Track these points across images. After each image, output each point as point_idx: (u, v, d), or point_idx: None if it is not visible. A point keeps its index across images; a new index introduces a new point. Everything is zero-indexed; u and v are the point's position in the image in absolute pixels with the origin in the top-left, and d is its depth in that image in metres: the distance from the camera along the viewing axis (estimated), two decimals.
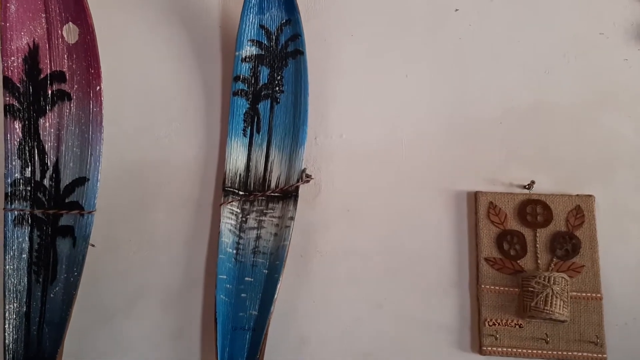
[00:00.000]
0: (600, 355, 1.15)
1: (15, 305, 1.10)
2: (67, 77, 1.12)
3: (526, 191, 1.26)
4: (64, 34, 1.10)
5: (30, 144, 1.12)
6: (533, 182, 1.25)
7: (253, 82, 1.32)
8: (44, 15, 1.10)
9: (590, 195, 1.24)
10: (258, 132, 1.31)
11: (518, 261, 1.21)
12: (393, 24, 1.39)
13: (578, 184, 1.26)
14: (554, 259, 1.21)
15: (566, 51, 1.35)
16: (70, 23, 1.09)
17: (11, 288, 1.10)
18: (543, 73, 1.34)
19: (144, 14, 1.39)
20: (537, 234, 1.22)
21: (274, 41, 1.33)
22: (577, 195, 1.24)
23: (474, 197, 1.26)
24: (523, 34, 1.37)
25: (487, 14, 1.38)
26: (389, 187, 1.30)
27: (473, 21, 1.38)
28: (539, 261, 1.21)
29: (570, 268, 1.20)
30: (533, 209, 1.24)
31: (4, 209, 1.11)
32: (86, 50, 1.10)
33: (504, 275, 1.21)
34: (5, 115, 1.11)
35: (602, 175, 1.27)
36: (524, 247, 1.22)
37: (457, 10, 1.39)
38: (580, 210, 1.23)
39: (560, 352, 1.16)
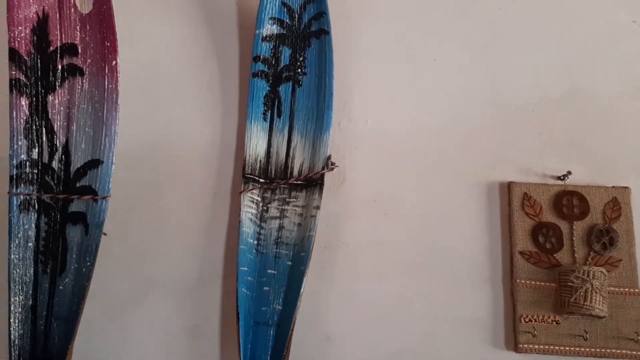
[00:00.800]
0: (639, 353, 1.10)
1: (20, 297, 1.01)
2: (80, 51, 1.03)
3: (561, 182, 1.20)
4: (77, 3, 1.01)
5: (37, 123, 1.03)
6: (569, 172, 1.20)
7: (274, 63, 1.24)
8: None
9: (626, 187, 1.19)
10: (279, 116, 1.23)
11: (554, 255, 1.15)
12: (420, 6, 1.33)
13: (614, 175, 1.21)
14: (591, 253, 1.15)
15: (599, 39, 1.30)
16: None
17: (16, 279, 1.01)
18: (576, 61, 1.29)
19: None
20: (574, 227, 1.17)
21: (296, 20, 1.25)
22: (614, 187, 1.19)
23: (508, 188, 1.20)
24: (555, 21, 1.31)
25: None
26: (418, 176, 1.23)
27: (504, 5, 1.32)
28: (575, 255, 1.15)
29: (608, 262, 1.15)
30: (569, 200, 1.19)
31: (8, 192, 1.02)
32: (101, 21, 1.01)
33: (539, 270, 1.15)
34: (10, 90, 1.01)
35: (638, 167, 1.22)
36: (560, 240, 1.16)
37: None
38: (617, 203, 1.18)
39: (598, 350, 1.11)
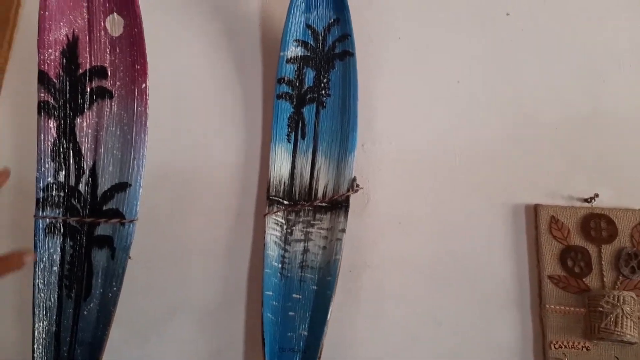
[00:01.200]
0: None
1: (44, 323, 0.99)
2: (109, 73, 1.02)
3: (588, 205, 1.19)
4: (107, 26, 1.01)
5: (65, 145, 1.02)
6: (596, 195, 1.19)
7: (298, 84, 1.24)
8: (85, 4, 1.00)
9: None
10: (303, 137, 1.23)
11: (583, 279, 1.14)
12: (442, 28, 1.33)
13: None
14: (620, 277, 1.14)
15: (621, 59, 1.30)
16: (114, 14, 1.00)
17: (41, 304, 1.00)
18: (599, 81, 1.29)
19: (182, 11, 1.30)
20: (602, 250, 1.16)
21: (320, 41, 1.25)
22: None
23: (534, 211, 1.19)
24: (577, 41, 1.31)
25: (540, 19, 1.33)
26: (443, 198, 1.22)
27: (526, 26, 1.33)
28: (604, 279, 1.14)
29: (637, 287, 1.13)
30: (597, 223, 1.17)
31: (34, 216, 1.01)
32: (132, 44, 1.00)
33: (568, 294, 1.14)
34: (39, 112, 1.00)
35: None
36: (589, 264, 1.15)
37: (508, 14, 1.33)
38: None
39: None
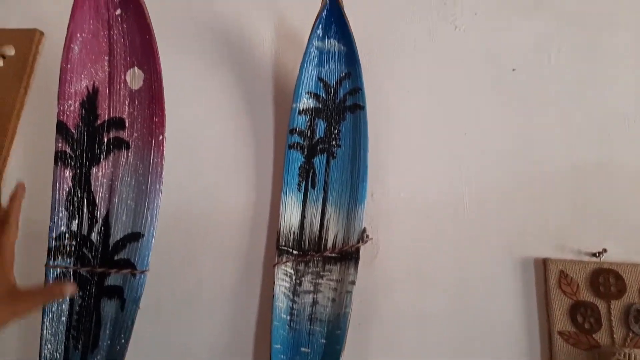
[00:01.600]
0: None
1: None
2: (127, 124, 1.04)
3: (597, 259, 1.20)
4: (127, 79, 1.03)
5: (79, 195, 1.03)
6: (605, 250, 1.19)
7: (309, 135, 1.26)
8: (107, 58, 1.03)
9: None
10: (313, 187, 1.24)
11: (593, 335, 1.13)
12: (450, 82, 1.36)
13: None
14: (630, 334, 1.13)
15: (626, 114, 1.33)
16: (135, 67, 1.02)
17: (47, 355, 0.98)
18: (605, 135, 1.31)
19: (199, 63, 1.34)
20: (611, 306, 1.15)
21: (332, 94, 1.28)
22: None
23: (543, 265, 1.20)
24: (582, 97, 1.34)
25: (545, 75, 1.36)
26: (452, 249, 1.22)
27: (531, 81, 1.36)
28: (614, 335, 1.13)
29: None
30: (605, 278, 1.18)
31: (45, 265, 1.01)
32: (151, 97, 1.03)
33: (579, 351, 1.13)
34: (55, 162, 1.02)
35: None
36: (599, 320, 1.14)
37: (514, 70, 1.37)
38: None
39: None
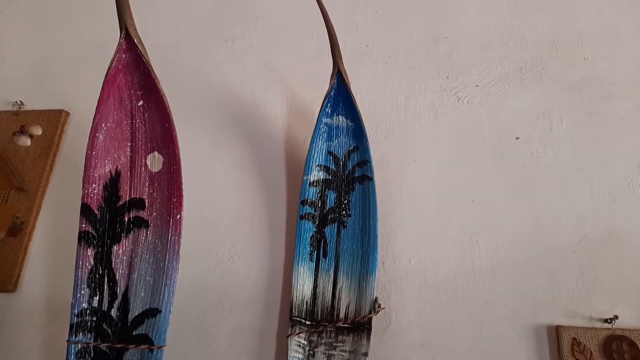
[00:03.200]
0: None
1: None
2: (147, 205, 1.10)
3: (609, 325, 1.20)
4: (148, 162, 1.10)
5: (100, 272, 1.08)
6: (616, 316, 1.19)
7: (320, 205, 1.31)
8: (129, 144, 1.10)
9: None
10: (325, 256, 1.28)
11: None
12: (455, 150, 1.41)
13: None
14: None
15: (631, 180, 1.35)
16: (155, 152, 1.10)
17: None
18: (611, 202, 1.33)
19: (213, 137, 1.42)
20: None
21: (341, 166, 1.34)
22: None
23: (555, 332, 1.20)
24: (586, 163, 1.37)
25: (549, 143, 1.39)
26: (464, 318, 1.23)
27: (535, 149, 1.40)
28: None
29: None
30: (619, 345, 1.17)
31: (67, 341, 1.05)
32: (170, 179, 1.09)
33: None
34: (79, 242, 1.07)
35: None
36: None
37: (517, 138, 1.41)
38: None
39: None
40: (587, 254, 1.28)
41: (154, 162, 1.10)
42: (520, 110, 1.45)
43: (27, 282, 1.31)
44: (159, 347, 1.04)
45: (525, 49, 1.52)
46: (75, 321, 1.05)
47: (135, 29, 1.01)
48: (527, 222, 1.32)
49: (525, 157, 1.39)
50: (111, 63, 1.00)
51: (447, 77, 1.51)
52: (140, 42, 1.02)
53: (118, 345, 1.05)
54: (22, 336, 1.25)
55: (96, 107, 1.03)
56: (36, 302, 1.27)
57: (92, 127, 1.02)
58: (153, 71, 1.03)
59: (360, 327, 1.19)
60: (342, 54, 1.30)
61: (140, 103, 1.07)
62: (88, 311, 1.06)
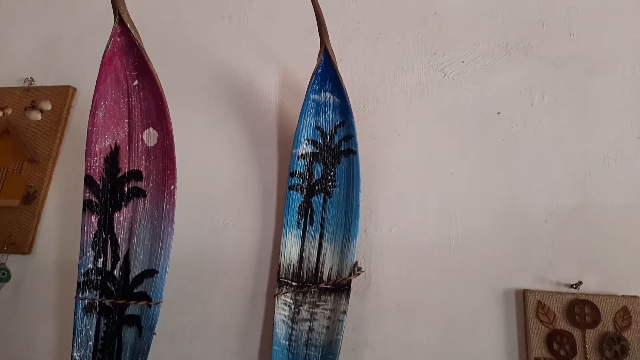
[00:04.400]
0: None
1: None
2: (144, 176, 1.21)
3: (574, 290, 1.29)
4: (144, 138, 1.20)
5: (104, 236, 1.20)
6: (580, 282, 1.28)
7: (308, 177, 1.41)
8: (127, 120, 1.20)
9: (636, 297, 1.26)
10: (311, 224, 1.38)
11: None
12: (437, 125, 1.48)
13: (624, 284, 1.28)
14: None
15: (606, 155, 1.40)
16: (150, 128, 1.20)
17: None
18: (585, 175, 1.39)
19: (208, 113, 1.51)
20: (586, 335, 1.24)
21: (328, 140, 1.43)
22: (624, 296, 1.26)
23: (522, 296, 1.29)
24: (563, 138, 1.42)
25: (528, 118, 1.45)
26: (438, 282, 1.33)
27: (515, 124, 1.46)
28: None
29: None
30: (581, 309, 1.26)
31: (75, 297, 1.17)
32: (164, 153, 1.20)
33: None
34: (83, 209, 1.19)
35: None
36: (574, 348, 1.23)
37: (499, 113, 1.48)
38: (627, 312, 1.25)
39: None
40: (559, 224, 1.36)
41: (150, 137, 1.20)
42: (503, 86, 1.50)
43: (41, 245, 1.45)
44: (156, 303, 1.16)
45: (513, 25, 1.56)
46: (82, 280, 1.18)
47: (128, 15, 1.10)
48: (503, 194, 1.40)
49: (505, 131, 1.46)
50: (107, 46, 1.10)
51: (435, 54, 1.57)
52: (134, 26, 1.10)
53: (120, 302, 1.17)
54: (37, 293, 1.39)
55: (95, 87, 1.13)
56: (49, 263, 1.41)
57: (92, 105, 1.12)
58: (146, 53, 1.12)
59: (341, 288, 1.30)
60: (334, 31, 1.36)
61: (136, 83, 1.17)
62: (93, 271, 1.19)
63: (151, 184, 1.20)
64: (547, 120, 1.45)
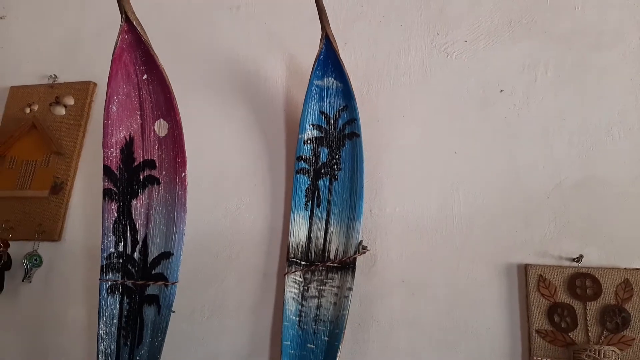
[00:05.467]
0: None
1: None
2: (157, 165, 1.30)
3: (575, 264, 1.31)
4: (156, 128, 1.28)
5: (123, 222, 1.29)
6: (581, 256, 1.30)
7: (314, 161, 1.46)
8: (139, 113, 1.29)
9: (638, 269, 1.28)
10: (318, 206, 1.44)
11: (569, 334, 1.25)
12: (440, 105, 1.51)
13: (627, 257, 1.30)
14: (605, 332, 1.24)
15: (610, 129, 1.40)
16: (161, 119, 1.28)
17: (103, 350, 1.25)
18: (589, 149, 1.39)
19: (217, 104, 1.58)
20: (587, 307, 1.27)
21: (332, 125, 1.48)
22: (626, 268, 1.28)
23: (524, 270, 1.33)
24: (566, 113, 1.43)
25: (532, 95, 1.46)
26: (442, 259, 1.38)
27: (518, 101, 1.47)
28: (589, 334, 1.25)
29: (621, 341, 1.23)
30: (582, 282, 1.29)
31: (99, 279, 1.27)
32: (174, 143, 1.28)
33: (555, 348, 1.25)
34: (104, 198, 1.28)
35: None
36: (575, 320, 1.26)
37: (502, 91, 1.49)
38: (629, 284, 1.27)
39: None
40: (561, 199, 1.37)
41: (161, 128, 1.28)
42: (506, 63, 1.51)
43: (69, 232, 1.56)
44: (173, 283, 1.26)
45: (516, 1, 1.55)
46: (104, 263, 1.28)
47: (133, 13, 1.17)
48: (506, 171, 1.42)
49: (508, 108, 1.47)
50: (116, 43, 1.17)
51: (438, 34, 1.59)
52: (139, 23, 1.17)
53: (140, 282, 1.27)
54: (67, 277, 1.51)
55: (107, 82, 1.21)
56: (76, 249, 1.52)
57: (105, 100, 1.21)
58: (152, 49, 1.19)
59: (347, 266, 1.36)
60: (338, 16, 1.41)
61: (145, 77, 1.24)
62: (115, 255, 1.28)
63: (164, 172, 1.29)
64: (550, 96, 1.46)
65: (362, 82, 1.56)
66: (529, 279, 1.31)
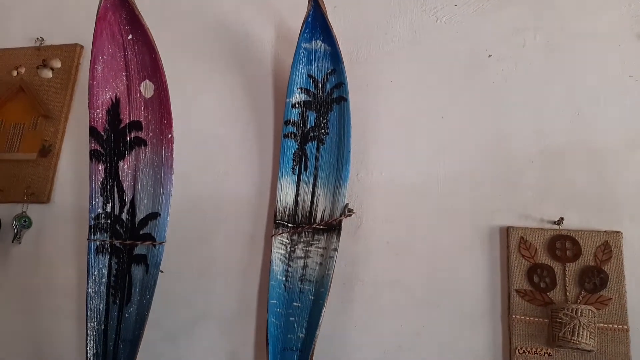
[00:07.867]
0: None
1: (95, 323, 1.27)
2: (144, 126, 1.30)
3: (556, 227, 1.34)
4: (142, 90, 1.28)
5: (110, 183, 1.30)
6: (562, 218, 1.33)
7: (301, 125, 1.47)
8: (124, 73, 1.28)
9: (618, 232, 1.30)
10: (305, 170, 1.45)
11: (548, 293, 1.29)
12: (429, 70, 1.51)
13: (607, 221, 1.32)
14: (582, 292, 1.28)
15: (597, 94, 1.41)
16: (147, 80, 1.27)
17: (92, 308, 1.27)
18: (574, 115, 1.40)
19: (205, 66, 1.57)
20: (566, 268, 1.30)
21: (320, 89, 1.48)
22: (605, 231, 1.31)
23: (506, 232, 1.35)
24: (554, 78, 1.44)
25: (520, 60, 1.47)
26: (427, 221, 1.40)
27: (506, 66, 1.47)
28: (567, 294, 1.28)
29: (598, 301, 1.26)
30: (562, 244, 1.32)
31: (87, 239, 1.29)
32: (160, 104, 1.28)
33: (534, 307, 1.29)
34: (90, 159, 1.29)
35: (630, 213, 1.32)
36: (554, 280, 1.30)
37: (490, 56, 1.49)
38: (608, 246, 1.30)
39: None
40: (545, 164, 1.39)
41: (147, 89, 1.27)
42: (495, 28, 1.51)
43: (58, 194, 1.57)
44: (160, 243, 1.28)
45: None
46: (93, 223, 1.29)
47: None
48: (491, 136, 1.43)
49: (495, 74, 1.48)
50: (100, 2, 1.16)
51: None
52: None
53: (128, 242, 1.28)
54: (56, 238, 1.52)
55: (92, 42, 1.20)
56: (65, 211, 1.53)
57: (90, 60, 1.20)
58: (137, 8, 1.18)
59: (332, 228, 1.38)
60: None
61: (130, 37, 1.24)
62: (102, 215, 1.30)
63: (150, 134, 1.29)
64: (538, 62, 1.46)
65: (351, 47, 1.56)
66: (510, 241, 1.34)
